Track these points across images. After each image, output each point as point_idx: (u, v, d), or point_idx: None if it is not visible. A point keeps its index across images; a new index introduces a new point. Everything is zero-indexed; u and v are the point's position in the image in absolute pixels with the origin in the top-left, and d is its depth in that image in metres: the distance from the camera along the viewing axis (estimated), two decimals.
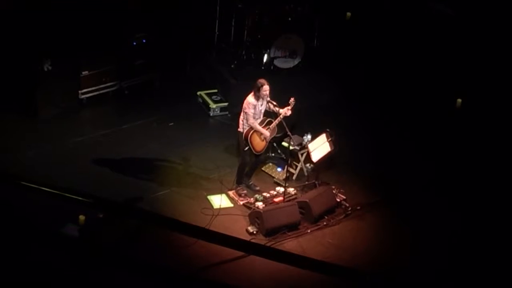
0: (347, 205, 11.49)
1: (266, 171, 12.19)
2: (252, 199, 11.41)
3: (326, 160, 11.86)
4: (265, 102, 11.16)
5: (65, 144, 12.39)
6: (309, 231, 11.00)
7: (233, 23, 14.46)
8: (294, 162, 12.04)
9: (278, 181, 11.92)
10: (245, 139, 11.14)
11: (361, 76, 14.73)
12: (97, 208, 9.09)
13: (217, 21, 14.60)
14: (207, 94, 13.90)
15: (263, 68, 14.26)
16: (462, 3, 14.53)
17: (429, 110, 13.84)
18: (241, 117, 11.20)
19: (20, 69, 12.91)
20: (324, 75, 14.63)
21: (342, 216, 11.32)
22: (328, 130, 11.85)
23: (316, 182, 11.72)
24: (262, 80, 11.05)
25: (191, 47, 14.65)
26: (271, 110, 11.21)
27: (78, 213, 10.27)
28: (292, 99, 11.14)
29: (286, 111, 11.07)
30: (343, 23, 15.28)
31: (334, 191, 11.56)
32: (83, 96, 13.35)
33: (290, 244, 10.70)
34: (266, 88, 11.01)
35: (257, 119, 11.15)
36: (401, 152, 12.90)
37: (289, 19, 14.43)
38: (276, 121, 11.15)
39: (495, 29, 14.15)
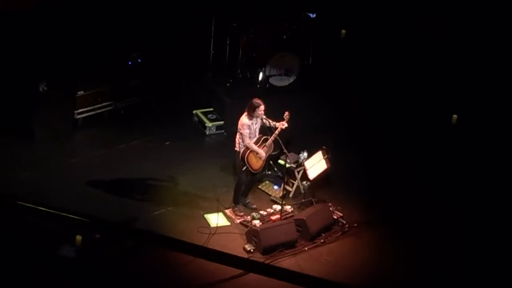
0: (344, 222, 11.46)
1: (262, 189, 12.17)
2: (249, 217, 11.38)
3: (322, 177, 11.85)
4: (259, 120, 11.16)
5: (61, 164, 12.36)
6: (306, 248, 10.97)
7: (228, 42, 14.48)
8: (291, 180, 12.02)
9: (274, 199, 11.89)
10: (242, 159, 11.12)
11: (356, 94, 14.74)
12: (94, 228, 9.03)
13: (212, 40, 14.63)
14: (203, 113, 13.91)
15: (258, 86, 14.27)
16: (456, 22, 14.58)
17: (425, 126, 13.84)
18: (237, 136, 11.20)
19: (16, 90, 12.89)
20: (320, 93, 14.63)
21: (339, 234, 11.30)
22: (324, 147, 11.85)
23: (313, 200, 11.70)
24: (258, 101, 11.05)
25: (186, 67, 14.66)
26: (266, 126, 11.21)
27: (75, 234, 10.23)
28: (286, 113, 11.16)
29: (282, 125, 11.08)
30: (338, 41, 15.30)
31: (331, 209, 11.55)
32: (78, 116, 13.33)
33: (287, 262, 10.66)
34: (262, 108, 11.02)
35: (253, 138, 11.14)
36: (398, 170, 12.88)
37: (284, 37, 14.46)
38: (272, 138, 11.14)
39: (490, 46, 14.19)
